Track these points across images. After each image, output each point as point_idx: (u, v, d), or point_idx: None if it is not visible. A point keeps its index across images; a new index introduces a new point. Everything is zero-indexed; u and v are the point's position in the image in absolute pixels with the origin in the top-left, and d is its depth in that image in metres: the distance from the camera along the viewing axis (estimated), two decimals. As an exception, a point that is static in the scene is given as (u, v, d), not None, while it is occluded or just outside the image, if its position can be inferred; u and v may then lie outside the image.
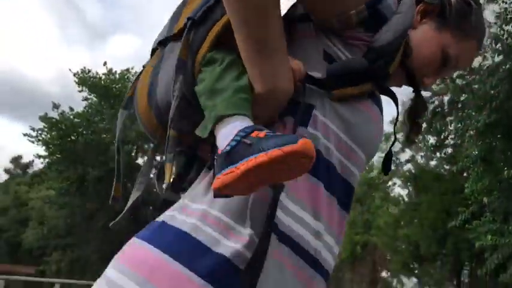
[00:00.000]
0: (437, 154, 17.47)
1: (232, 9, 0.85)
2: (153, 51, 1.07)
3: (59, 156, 23.76)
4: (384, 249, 19.73)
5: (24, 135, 23.05)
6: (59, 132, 23.02)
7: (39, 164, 35.19)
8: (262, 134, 0.78)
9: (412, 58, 1.07)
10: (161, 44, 1.04)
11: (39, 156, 24.34)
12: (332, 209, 0.94)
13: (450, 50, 1.09)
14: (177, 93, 0.92)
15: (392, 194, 24.11)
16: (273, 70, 0.88)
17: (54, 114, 23.44)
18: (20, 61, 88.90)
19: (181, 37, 0.94)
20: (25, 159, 39.31)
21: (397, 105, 1.13)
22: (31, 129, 23.00)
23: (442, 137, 15.10)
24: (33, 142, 23.28)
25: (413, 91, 1.15)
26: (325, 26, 0.98)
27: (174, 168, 1.02)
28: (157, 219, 0.93)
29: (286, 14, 1.02)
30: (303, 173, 0.79)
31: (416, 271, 20.44)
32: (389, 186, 25.01)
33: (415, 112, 1.16)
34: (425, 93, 1.22)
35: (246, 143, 0.77)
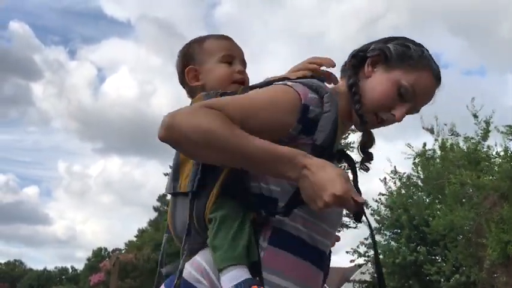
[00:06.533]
0: None
1: (214, 160, 1.16)
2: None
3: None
4: (539, 245, 17.80)
5: (165, 175, 25.32)
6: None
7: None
8: None
9: (365, 103, 1.30)
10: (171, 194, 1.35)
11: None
12: (307, 270, 1.25)
13: (402, 82, 1.29)
14: (186, 252, 1.24)
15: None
16: (276, 166, 1.13)
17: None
18: (142, 101, 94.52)
19: (186, 194, 1.25)
20: (168, 196, 42.41)
21: (352, 168, 1.37)
22: (170, 167, 25.22)
23: None
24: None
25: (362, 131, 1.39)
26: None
27: None
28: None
29: None
30: None
31: None
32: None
33: (365, 145, 1.41)
34: None
35: None
